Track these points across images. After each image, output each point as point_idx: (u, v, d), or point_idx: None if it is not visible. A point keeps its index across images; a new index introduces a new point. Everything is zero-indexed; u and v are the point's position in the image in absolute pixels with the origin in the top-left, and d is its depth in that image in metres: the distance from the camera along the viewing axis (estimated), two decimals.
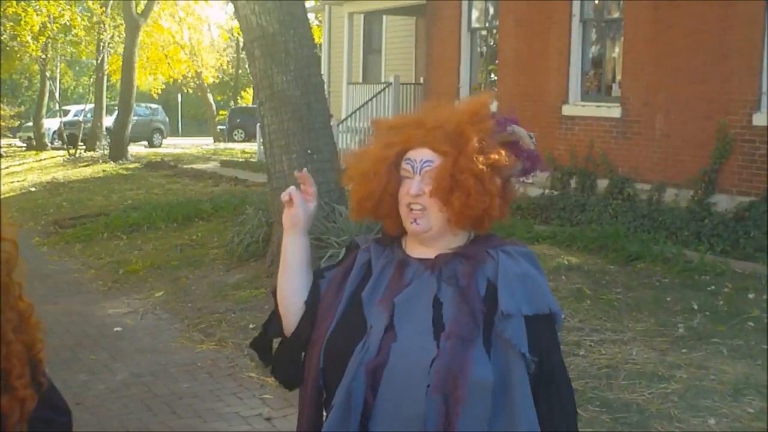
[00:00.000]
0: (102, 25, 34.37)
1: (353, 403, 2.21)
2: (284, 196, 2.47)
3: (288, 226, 2.52)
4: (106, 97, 37.01)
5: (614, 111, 13.87)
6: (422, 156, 2.33)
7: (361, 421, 2.20)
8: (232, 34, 51.98)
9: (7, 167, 29.79)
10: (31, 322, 2.06)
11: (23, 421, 1.94)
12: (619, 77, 14.32)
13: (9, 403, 1.89)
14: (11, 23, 33.80)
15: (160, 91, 48.71)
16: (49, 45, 35.72)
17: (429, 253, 2.37)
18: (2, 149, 36.67)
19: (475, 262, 2.32)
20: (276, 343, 2.59)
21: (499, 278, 2.27)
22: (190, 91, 51.33)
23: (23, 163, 31.12)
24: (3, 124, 42.58)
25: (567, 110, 14.81)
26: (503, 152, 2.36)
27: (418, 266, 2.35)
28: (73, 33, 35.73)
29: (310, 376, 2.38)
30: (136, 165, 26.98)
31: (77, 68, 57.87)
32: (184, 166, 25.69)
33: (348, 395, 2.22)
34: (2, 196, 20.50)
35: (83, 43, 36.54)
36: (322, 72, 11.15)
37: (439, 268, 2.32)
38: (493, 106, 2.50)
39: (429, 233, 2.34)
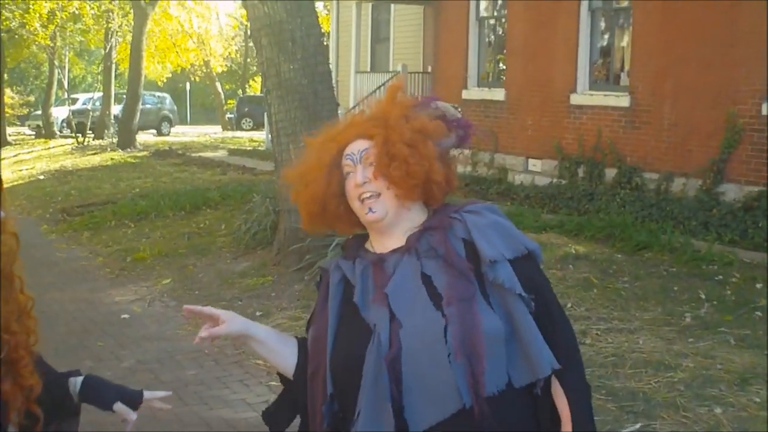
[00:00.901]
0: (110, 14, 34.40)
1: (382, 404, 2.18)
2: (198, 341, 2.52)
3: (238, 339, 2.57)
4: (115, 86, 37.04)
5: (623, 100, 13.83)
6: (358, 146, 2.38)
7: (396, 417, 2.17)
8: (241, 23, 51.92)
9: (15, 155, 29.86)
10: (30, 314, 2.09)
11: (31, 405, 1.97)
12: (627, 66, 14.27)
13: (11, 389, 1.92)
14: (20, 11, 33.82)
15: (165, 80, 48.67)
16: (58, 33, 35.77)
17: (396, 242, 2.39)
18: (11, 137, 36.74)
19: (444, 228, 2.34)
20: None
21: (473, 233, 2.30)
22: (198, 79, 51.34)
23: (32, 151, 31.17)
24: (12, 112, 42.68)
25: (575, 99, 14.77)
26: (427, 119, 2.39)
27: (394, 256, 2.36)
28: (81, 21, 35.73)
29: (316, 411, 2.36)
30: (145, 153, 27.01)
31: (86, 57, 57.90)
32: (192, 155, 25.73)
33: (374, 398, 2.19)
34: (11, 184, 20.54)
35: (92, 32, 36.56)
36: (330, 61, 11.15)
37: (414, 247, 2.34)
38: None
39: (387, 218, 2.36)
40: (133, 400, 2.58)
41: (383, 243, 2.42)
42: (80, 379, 2.50)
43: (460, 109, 2.62)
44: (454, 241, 2.32)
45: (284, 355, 2.49)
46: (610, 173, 13.83)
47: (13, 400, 1.92)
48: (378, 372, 2.19)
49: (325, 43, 10.97)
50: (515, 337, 2.22)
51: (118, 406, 2.52)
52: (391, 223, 2.38)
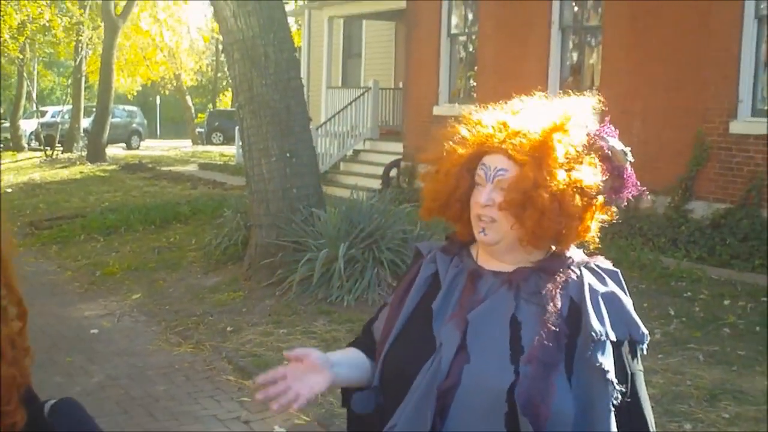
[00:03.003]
0: (81, 26, 34.22)
1: (419, 429, 2.03)
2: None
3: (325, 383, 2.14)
4: (84, 99, 36.83)
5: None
6: (497, 163, 2.11)
7: None
8: (212, 37, 51.85)
9: None
10: (20, 345, 1.99)
11: None
12: (597, 84, 14.38)
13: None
14: None
15: (135, 93, 48.46)
16: (27, 45, 35.51)
17: (503, 265, 2.17)
18: None
19: (558, 279, 2.10)
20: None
21: (586, 298, 2.06)
22: (169, 93, 51.17)
23: None
24: None
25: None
26: (591, 170, 2.12)
27: (493, 280, 2.15)
28: (51, 33, 35.52)
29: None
30: (114, 167, 26.86)
31: (55, 69, 57.56)
32: (162, 169, 25.62)
33: (413, 420, 2.04)
34: None
35: (62, 44, 36.32)
36: (302, 76, 11.17)
37: (518, 283, 2.11)
38: (592, 115, 2.27)
39: (497, 246, 2.15)
40: None
41: (487, 257, 2.21)
42: (50, 403, 2.25)
43: (630, 156, 2.27)
44: (562, 296, 2.08)
45: (364, 368, 2.26)
46: None
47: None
48: (427, 396, 2.03)
49: (297, 58, 10.97)
50: (585, 423, 2.00)
51: None
52: (502, 251, 2.16)
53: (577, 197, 2.07)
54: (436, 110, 17.63)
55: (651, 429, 2.13)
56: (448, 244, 2.30)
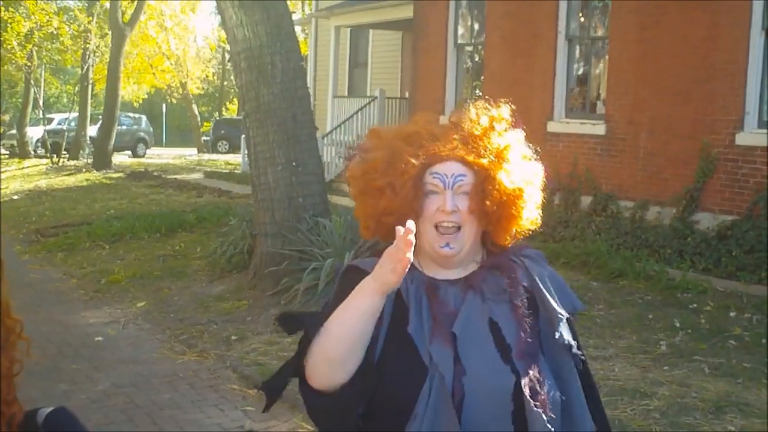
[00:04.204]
0: (88, 34, 34.31)
1: None
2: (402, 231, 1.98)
3: (390, 281, 2.03)
4: (90, 106, 36.91)
5: (599, 128, 13.92)
6: (452, 170, 2.16)
7: None
8: (218, 45, 51.97)
9: None
10: (14, 342, 2.02)
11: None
12: (604, 95, 14.38)
13: None
14: None
15: (141, 101, 48.56)
16: (35, 52, 35.62)
17: (450, 272, 2.22)
18: None
19: (511, 273, 2.21)
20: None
21: (539, 285, 2.20)
22: (175, 101, 51.28)
23: (6, 171, 30.96)
24: None
25: (552, 127, 14.86)
26: (539, 164, 2.29)
27: (452, 288, 2.18)
28: (59, 41, 35.63)
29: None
30: (120, 174, 26.90)
31: (61, 76, 57.71)
32: (168, 177, 25.64)
33: None
34: None
35: (69, 52, 36.44)
36: (308, 85, 11.17)
37: (480, 286, 2.18)
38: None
39: (459, 255, 2.18)
40: None
41: (436, 270, 2.23)
42: (46, 411, 2.20)
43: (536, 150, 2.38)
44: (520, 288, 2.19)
45: (364, 341, 2.10)
46: (586, 200, 13.90)
47: None
48: (447, 417, 2.02)
49: (304, 68, 10.98)
50: (564, 394, 2.15)
51: None
52: (459, 261, 2.21)
53: (537, 191, 2.25)
54: (443, 120, 17.59)
55: (592, 374, 2.32)
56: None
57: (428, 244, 2.18)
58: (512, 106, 2.33)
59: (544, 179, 2.32)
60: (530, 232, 2.30)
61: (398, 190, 2.16)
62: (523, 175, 2.22)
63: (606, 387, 6.65)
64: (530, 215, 2.25)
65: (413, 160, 2.17)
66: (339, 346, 2.07)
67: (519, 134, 2.28)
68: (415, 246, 2.00)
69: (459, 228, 2.16)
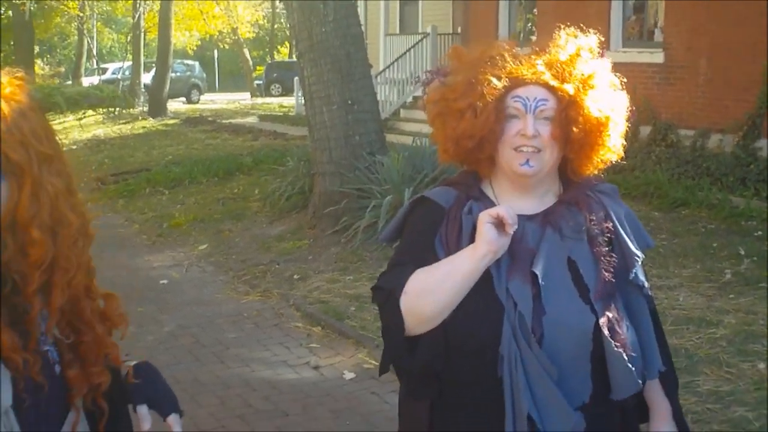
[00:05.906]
0: None
1: (520, 393, 2.03)
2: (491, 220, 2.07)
3: (491, 250, 2.07)
4: (143, 55, 37.11)
5: (657, 56, 13.66)
6: (536, 94, 2.12)
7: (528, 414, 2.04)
8: None
9: None
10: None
11: (98, 398, 1.94)
12: (661, 22, 14.09)
13: (77, 376, 1.90)
14: None
15: (195, 48, 48.67)
16: (86, 3, 35.79)
17: (527, 205, 2.18)
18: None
19: (588, 210, 2.17)
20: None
21: (617, 225, 2.17)
22: (226, 46, 51.29)
23: (63, 122, 31.30)
24: (42, 83, 42.86)
25: (608, 57, 14.60)
26: (615, 93, 2.24)
27: (530, 224, 2.15)
28: None
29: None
30: (175, 121, 27.07)
31: (113, 26, 58.01)
32: (223, 122, 25.76)
33: (509, 386, 2.04)
34: None
35: (120, 1, 36.56)
36: (360, 23, 11.08)
37: (558, 223, 2.15)
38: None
39: (538, 176, 2.15)
40: (161, 409, 2.16)
41: (512, 199, 2.19)
42: (129, 365, 2.23)
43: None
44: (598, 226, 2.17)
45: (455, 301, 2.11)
46: (645, 130, 13.68)
47: (79, 387, 1.89)
48: (516, 359, 2.03)
49: (355, 5, 10.90)
50: (637, 334, 2.17)
51: (142, 410, 2.13)
52: (538, 182, 2.18)
53: (616, 118, 2.20)
54: None
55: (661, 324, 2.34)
56: (463, 190, 2.24)
57: (507, 164, 2.15)
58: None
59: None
60: (610, 163, 2.26)
61: (479, 113, 2.13)
62: (610, 104, 2.18)
63: (671, 316, 6.60)
64: (615, 144, 2.22)
65: (495, 83, 2.13)
66: (439, 307, 2.09)
67: (606, 63, 2.26)
68: (492, 172, 2.14)
69: (539, 151, 2.12)
